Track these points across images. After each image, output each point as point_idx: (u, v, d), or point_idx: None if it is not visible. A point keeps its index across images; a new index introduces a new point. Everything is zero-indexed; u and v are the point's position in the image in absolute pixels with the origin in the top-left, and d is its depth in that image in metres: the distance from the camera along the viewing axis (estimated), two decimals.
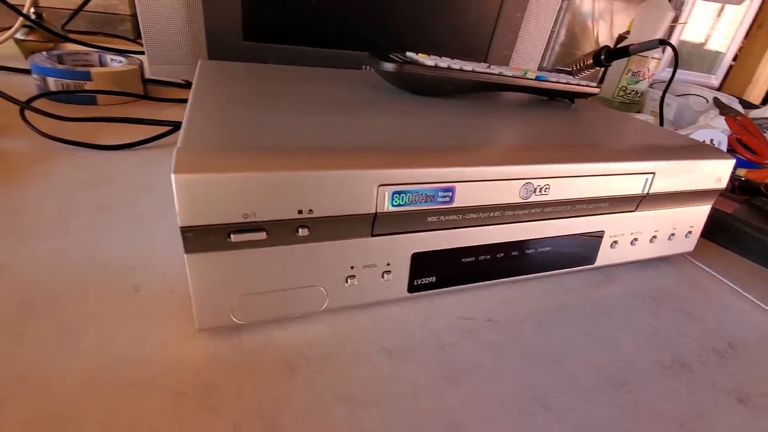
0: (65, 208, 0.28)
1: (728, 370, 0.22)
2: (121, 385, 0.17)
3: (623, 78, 0.78)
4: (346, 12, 0.43)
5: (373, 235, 0.20)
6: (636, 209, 0.27)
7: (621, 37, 0.87)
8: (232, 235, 0.16)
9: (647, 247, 0.29)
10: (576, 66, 0.75)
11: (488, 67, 0.32)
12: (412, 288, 0.22)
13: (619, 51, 0.68)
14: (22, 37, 0.56)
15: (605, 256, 0.27)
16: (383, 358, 0.20)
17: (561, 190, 0.23)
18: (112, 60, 0.52)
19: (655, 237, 0.28)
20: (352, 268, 0.20)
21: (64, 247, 0.24)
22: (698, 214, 0.29)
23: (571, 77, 0.35)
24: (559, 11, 0.88)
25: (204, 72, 0.29)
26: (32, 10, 0.56)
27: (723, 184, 0.29)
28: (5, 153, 0.34)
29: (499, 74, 0.31)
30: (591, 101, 0.38)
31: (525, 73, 0.33)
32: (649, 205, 0.27)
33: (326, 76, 0.33)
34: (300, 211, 0.17)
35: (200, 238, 0.16)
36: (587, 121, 0.31)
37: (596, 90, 0.35)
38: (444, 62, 0.30)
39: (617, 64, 0.79)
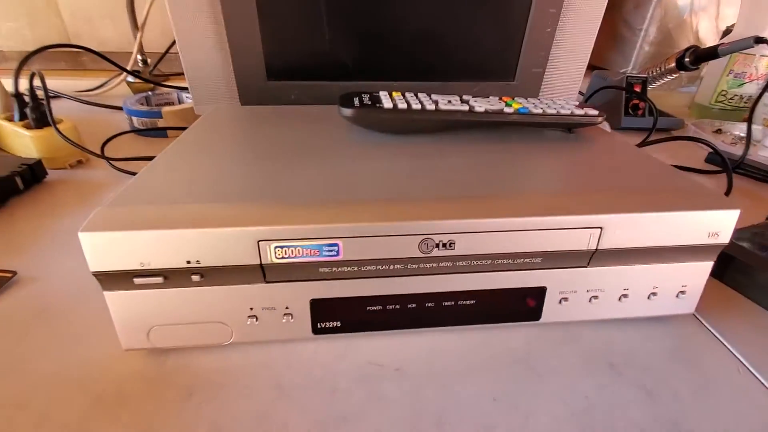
0: None
1: None
2: (66, 384, 0.22)
3: (723, 80, 0.65)
4: (360, 46, 0.46)
5: (267, 282, 0.22)
6: (588, 265, 0.24)
7: (728, 31, 0.72)
8: (135, 279, 0.20)
9: (616, 306, 0.25)
10: (654, 71, 0.65)
11: (463, 102, 0.32)
12: (316, 330, 0.23)
13: (706, 52, 0.58)
14: (131, 80, 0.70)
15: (554, 312, 0.25)
16: (272, 394, 0.22)
17: (471, 246, 0.22)
18: (186, 97, 0.62)
19: (625, 296, 0.25)
20: (251, 309, 0.22)
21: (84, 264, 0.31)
22: (692, 272, 0.25)
23: (566, 105, 0.32)
24: (649, 6, 0.77)
25: (199, 122, 0.34)
26: (139, 57, 0.70)
27: (722, 240, 0.24)
28: (84, 182, 0.44)
29: (469, 111, 0.30)
30: (595, 129, 0.34)
31: (507, 105, 0.31)
32: (606, 261, 0.24)
33: (312, 117, 0.36)
34: (188, 261, 0.20)
35: (110, 280, 0.20)
36: (556, 159, 0.28)
37: (597, 120, 0.32)
38: (404, 102, 0.30)
39: (717, 65, 0.66)
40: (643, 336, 0.26)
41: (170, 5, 0.42)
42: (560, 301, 0.25)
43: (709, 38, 0.76)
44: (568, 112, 0.31)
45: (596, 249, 0.23)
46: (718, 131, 0.62)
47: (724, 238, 0.24)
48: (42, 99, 0.44)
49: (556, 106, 0.32)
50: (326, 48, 0.45)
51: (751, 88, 0.64)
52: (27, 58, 0.45)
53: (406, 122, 0.30)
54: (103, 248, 0.19)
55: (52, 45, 0.50)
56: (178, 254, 0.20)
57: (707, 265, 0.25)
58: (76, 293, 0.28)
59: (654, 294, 0.25)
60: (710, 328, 0.27)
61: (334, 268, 0.22)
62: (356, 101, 0.30)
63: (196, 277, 0.21)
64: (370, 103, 0.30)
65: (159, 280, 0.20)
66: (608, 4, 0.82)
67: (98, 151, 0.46)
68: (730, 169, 0.42)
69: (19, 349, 0.24)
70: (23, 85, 0.44)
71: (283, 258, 0.21)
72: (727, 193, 0.41)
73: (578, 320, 0.26)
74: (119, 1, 0.66)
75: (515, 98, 0.34)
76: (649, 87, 0.65)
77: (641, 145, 0.53)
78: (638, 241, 0.23)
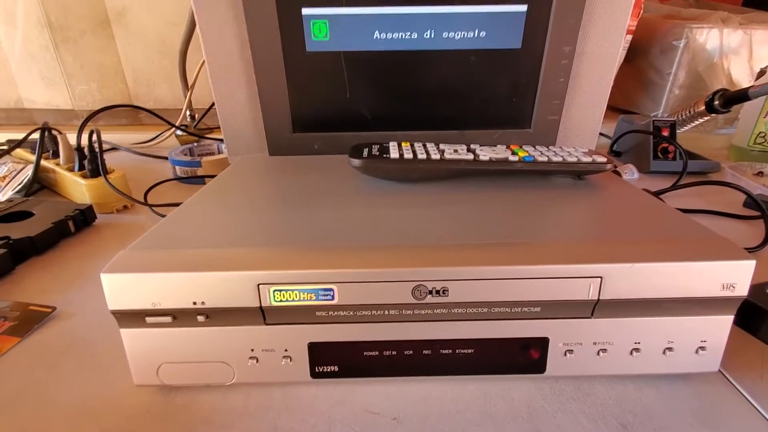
0: None
1: None
2: (79, 415, 0.23)
3: (760, 122, 0.63)
4: (380, 100, 0.49)
5: (267, 324, 0.23)
6: (592, 316, 0.23)
7: (762, 72, 0.70)
8: (146, 318, 0.22)
9: (627, 361, 0.24)
10: (683, 114, 0.64)
11: (468, 152, 0.33)
12: (314, 374, 0.24)
13: (736, 95, 0.56)
14: (180, 134, 0.78)
15: (559, 365, 0.24)
16: None
17: (465, 293, 0.22)
18: (225, 148, 0.68)
19: (636, 350, 0.24)
20: (252, 350, 0.23)
21: None
22: (711, 326, 0.23)
23: (574, 152, 0.32)
24: (675, 51, 0.77)
25: (225, 171, 0.37)
26: (188, 113, 0.77)
27: (740, 292, 0.22)
28: (128, 225, 0.48)
29: (474, 160, 0.31)
30: (608, 175, 0.34)
31: (513, 154, 0.32)
32: (611, 313, 0.23)
33: (330, 166, 0.38)
34: (194, 302, 0.22)
35: (126, 318, 0.22)
36: (560, 207, 0.28)
37: (605, 166, 0.31)
38: (411, 153, 0.32)
39: (753, 106, 0.64)
40: (661, 394, 0.24)
41: (210, 68, 0.47)
42: (565, 353, 0.24)
43: (743, 80, 0.73)
44: (575, 159, 0.31)
45: (598, 299, 0.22)
46: (760, 174, 0.58)
47: (741, 290, 0.22)
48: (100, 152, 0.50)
49: (563, 153, 0.32)
50: (347, 103, 0.48)
51: None
52: (90, 117, 0.52)
53: (411, 171, 0.31)
54: (120, 288, 0.21)
55: (112, 105, 0.57)
56: (185, 295, 0.21)
57: (727, 319, 0.23)
58: (104, 329, 0.30)
59: (670, 349, 0.24)
60: (739, 388, 0.24)
61: (330, 312, 0.22)
62: (365, 152, 0.32)
63: (201, 318, 0.22)
64: (378, 153, 0.32)
65: (168, 319, 0.22)
66: (634, 51, 0.83)
67: (142, 198, 0.51)
68: (767, 215, 0.39)
69: (47, 379, 0.26)
70: (86, 140, 0.50)
71: (281, 301, 0.22)
72: (765, 240, 0.38)
73: (587, 375, 0.24)
74: (174, 67, 0.75)
75: (522, 146, 0.34)
76: (680, 130, 0.63)
77: (671, 189, 0.51)
78: (644, 293, 0.22)
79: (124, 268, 0.21)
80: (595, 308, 0.23)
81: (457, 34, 0.44)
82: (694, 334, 0.23)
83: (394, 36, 0.45)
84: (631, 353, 0.24)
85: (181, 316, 0.22)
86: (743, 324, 0.29)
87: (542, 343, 0.23)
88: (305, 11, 0.44)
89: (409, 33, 0.45)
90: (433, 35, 0.45)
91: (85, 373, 0.26)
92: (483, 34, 0.44)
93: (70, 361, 0.27)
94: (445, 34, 0.45)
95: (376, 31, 0.45)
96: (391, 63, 0.46)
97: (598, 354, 0.24)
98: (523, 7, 0.44)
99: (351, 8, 0.44)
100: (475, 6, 0.44)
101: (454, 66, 0.46)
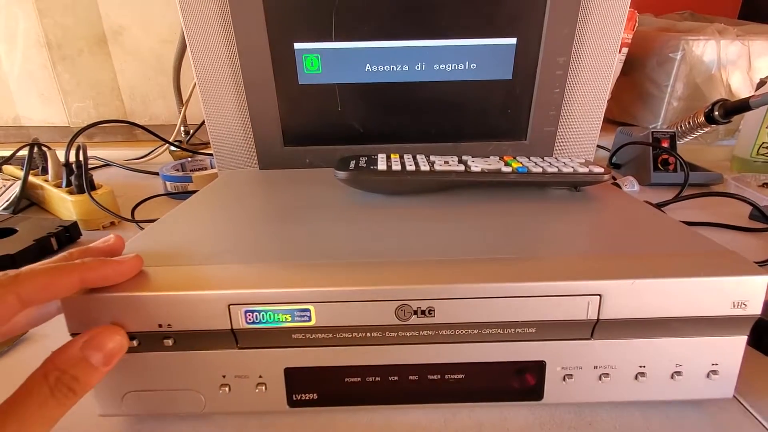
0: None
1: None
2: None
3: (763, 132, 0.61)
4: (371, 114, 0.48)
5: (239, 348, 0.21)
6: (592, 337, 0.21)
7: (762, 83, 0.69)
8: None
9: (632, 386, 0.22)
10: (683, 126, 0.63)
11: (460, 163, 0.31)
12: (292, 402, 0.22)
13: (737, 105, 0.55)
14: (174, 149, 0.77)
15: (558, 392, 0.22)
16: None
17: (453, 313, 0.20)
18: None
19: (642, 375, 0.22)
20: (224, 377, 0.21)
21: None
22: (722, 348, 0.21)
23: (570, 163, 0.31)
24: (672, 63, 0.76)
25: (209, 186, 0.36)
26: (182, 129, 0.77)
27: (752, 310, 0.20)
28: None
29: (465, 171, 0.30)
30: (606, 186, 0.32)
31: (506, 165, 0.31)
32: (613, 334, 0.21)
33: (318, 180, 0.37)
34: (160, 325, 0.20)
35: None
36: (556, 220, 0.26)
37: (602, 177, 0.30)
38: (399, 164, 0.30)
39: (754, 117, 0.63)
40: (670, 423, 0.22)
41: (200, 85, 0.47)
42: (564, 378, 0.22)
43: (742, 91, 0.72)
44: (571, 169, 0.30)
45: (598, 319, 0.20)
46: (765, 185, 0.57)
47: (754, 308, 0.20)
48: (91, 168, 0.49)
49: (558, 164, 0.31)
50: (339, 117, 0.48)
51: None
52: (78, 133, 0.51)
53: (399, 183, 0.30)
54: (82, 310, 0.20)
55: (103, 121, 0.56)
56: (149, 317, 0.20)
57: (739, 340, 0.21)
58: None
59: (678, 373, 0.22)
60: (757, 416, 0.22)
61: (307, 335, 0.21)
62: (352, 164, 0.31)
63: (168, 342, 0.20)
64: (365, 165, 0.31)
65: (132, 343, 0.20)
66: (631, 63, 0.82)
67: (130, 214, 0.50)
68: None
69: None
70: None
71: (254, 323, 0.20)
72: None
73: (588, 402, 0.22)
74: (169, 83, 0.75)
75: (516, 157, 0.33)
76: (680, 142, 0.62)
77: (673, 201, 0.50)
78: (647, 311, 0.20)
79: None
80: (595, 329, 0.21)
81: (448, 67, 0.45)
82: (704, 356, 0.21)
83: (385, 68, 0.45)
84: (636, 378, 0.22)
85: (146, 340, 0.20)
86: (759, 345, 0.27)
87: (539, 368, 0.22)
88: (297, 45, 0.44)
89: (400, 66, 0.45)
90: (424, 67, 0.45)
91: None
92: (474, 66, 0.45)
93: None
94: (436, 67, 0.45)
95: (368, 65, 0.45)
96: (383, 89, 0.46)
97: (600, 379, 0.22)
98: (513, 40, 0.44)
99: (342, 42, 0.44)
100: (465, 39, 0.44)
101: (447, 88, 0.46)
